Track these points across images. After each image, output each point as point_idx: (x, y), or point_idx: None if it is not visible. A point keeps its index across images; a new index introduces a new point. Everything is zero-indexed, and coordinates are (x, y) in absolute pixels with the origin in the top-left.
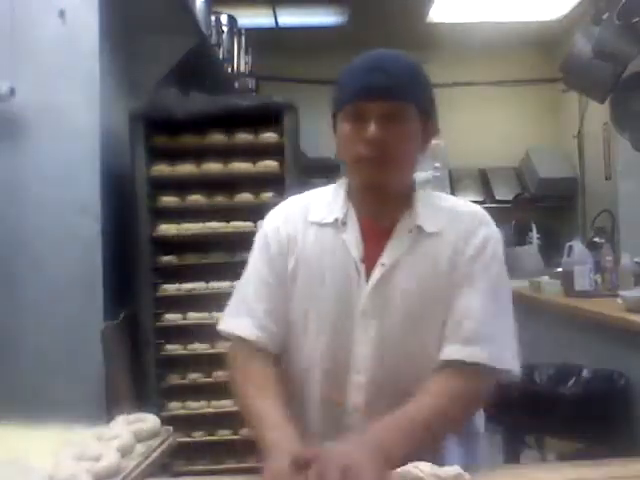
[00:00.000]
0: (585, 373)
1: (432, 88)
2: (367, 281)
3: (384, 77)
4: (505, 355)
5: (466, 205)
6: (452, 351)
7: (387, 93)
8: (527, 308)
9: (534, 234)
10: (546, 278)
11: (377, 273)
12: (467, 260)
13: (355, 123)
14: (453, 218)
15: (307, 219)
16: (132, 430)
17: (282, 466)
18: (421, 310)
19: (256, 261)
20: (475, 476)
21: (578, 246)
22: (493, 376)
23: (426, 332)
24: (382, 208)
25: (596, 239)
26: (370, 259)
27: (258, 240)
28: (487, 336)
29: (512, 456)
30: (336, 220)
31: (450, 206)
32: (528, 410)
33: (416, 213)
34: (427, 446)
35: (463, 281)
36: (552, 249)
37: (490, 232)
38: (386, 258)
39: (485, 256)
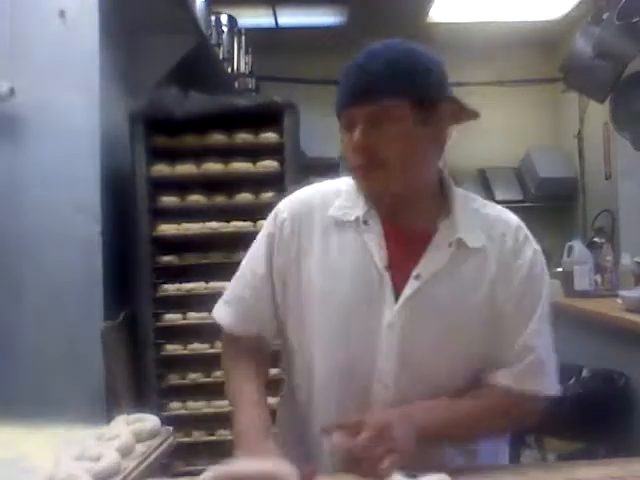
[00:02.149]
0: (585, 373)
1: (441, 71)
2: (395, 292)
3: (366, 79)
4: (554, 382)
5: (507, 217)
6: (510, 378)
7: (368, 96)
8: None
9: None
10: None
11: (411, 285)
12: (518, 284)
13: (347, 131)
14: (495, 232)
15: (326, 214)
16: (132, 430)
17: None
18: (453, 330)
19: (255, 252)
20: (475, 476)
21: (578, 246)
22: (541, 402)
23: (455, 352)
24: (404, 212)
25: (596, 239)
26: (399, 267)
27: (266, 228)
28: (538, 368)
29: (512, 456)
30: (357, 218)
31: (491, 216)
32: (533, 414)
33: (456, 223)
34: (457, 440)
35: (517, 311)
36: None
37: (535, 249)
38: (422, 270)
39: (535, 280)
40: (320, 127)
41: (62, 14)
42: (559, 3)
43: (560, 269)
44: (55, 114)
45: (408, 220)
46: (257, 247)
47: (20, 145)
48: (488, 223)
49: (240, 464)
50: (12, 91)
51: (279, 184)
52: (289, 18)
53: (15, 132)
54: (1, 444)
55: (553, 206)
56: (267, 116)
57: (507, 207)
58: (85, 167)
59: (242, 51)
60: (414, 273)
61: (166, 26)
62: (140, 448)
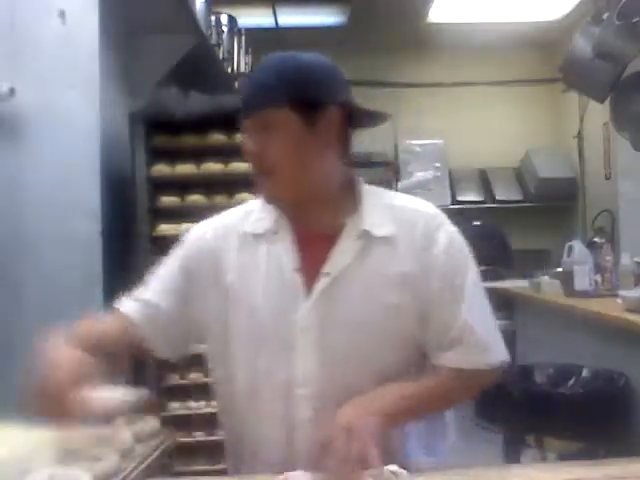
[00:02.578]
0: (585, 373)
1: (332, 76)
2: (307, 293)
3: (252, 89)
4: (498, 352)
5: (418, 205)
6: (452, 359)
7: (254, 105)
8: (527, 308)
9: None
10: (546, 278)
11: (321, 284)
12: (439, 270)
13: (245, 138)
14: (406, 221)
15: (241, 231)
16: (132, 430)
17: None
18: (369, 322)
19: (168, 262)
20: (475, 476)
21: (578, 246)
22: (491, 373)
23: (374, 343)
24: (311, 215)
25: (596, 239)
26: (310, 269)
27: (181, 245)
28: (486, 343)
29: (512, 456)
30: (267, 230)
31: (400, 206)
32: (528, 410)
33: (362, 216)
34: (416, 416)
35: (445, 295)
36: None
37: (450, 233)
38: (330, 267)
39: (455, 263)
40: None
41: (62, 14)
42: (559, 3)
43: (560, 269)
44: (55, 114)
45: (317, 222)
46: (171, 263)
47: (20, 145)
48: (397, 213)
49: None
50: (12, 91)
51: None
52: (289, 18)
53: (15, 132)
54: (1, 444)
55: (553, 206)
56: None
57: (507, 207)
58: (85, 167)
59: (242, 51)
60: (323, 271)
61: (166, 26)
62: (140, 448)
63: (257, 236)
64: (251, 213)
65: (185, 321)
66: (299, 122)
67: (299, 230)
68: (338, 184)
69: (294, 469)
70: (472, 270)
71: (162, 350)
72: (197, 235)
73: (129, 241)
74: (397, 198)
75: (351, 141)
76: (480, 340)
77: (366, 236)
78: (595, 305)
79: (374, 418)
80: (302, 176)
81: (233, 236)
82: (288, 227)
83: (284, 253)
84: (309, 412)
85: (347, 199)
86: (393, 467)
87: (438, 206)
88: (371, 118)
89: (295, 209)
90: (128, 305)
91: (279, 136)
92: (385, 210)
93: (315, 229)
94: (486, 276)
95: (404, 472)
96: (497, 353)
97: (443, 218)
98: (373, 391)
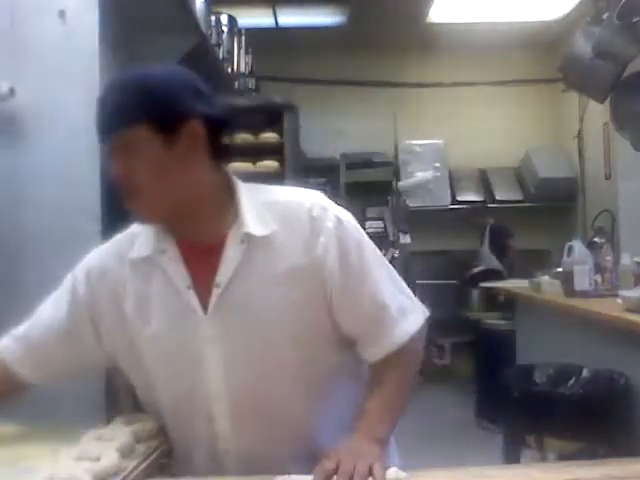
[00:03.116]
0: (585, 373)
1: (184, 91)
2: (203, 307)
3: (103, 113)
4: (417, 313)
5: (298, 196)
6: (373, 353)
7: (108, 128)
8: (527, 308)
9: (486, 236)
10: (546, 278)
11: (213, 297)
12: (332, 259)
13: (108, 160)
14: (287, 214)
15: (129, 257)
16: (132, 430)
17: None
18: (269, 323)
19: (55, 299)
20: (476, 476)
21: (578, 246)
22: (416, 340)
23: (279, 344)
24: (192, 229)
25: (596, 239)
26: (202, 282)
27: (65, 283)
28: (399, 315)
29: (512, 456)
30: (154, 251)
31: (280, 201)
32: (528, 410)
33: (243, 220)
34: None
35: (345, 278)
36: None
37: (335, 216)
38: (220, 277)
39: (348, 247)
40: (320, 127)
41: (62, 14)
42: (559, 3)
43: (560, 269)
44: (55, 114)
45: (199, 234)
46: (58, 298)
47: (20, 145)
48: (278, 209)
49: None
50: (12, 91)
51: (279, 184)
52: (289, 18)
53: (15, 132)
54: (1, 444)
55: (553, 206)
56: (267, 116)
57: (507, 207)
58: (85, 167)
59: (242, 51)
60: (215, 282)
61: (166, 26)
62: (140, 448)
63: (145, 259)
64: (136, 236)
65: (77, 350)
66: (156, 139)
67: (185, 245)
68: (212, 192)
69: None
70: (367, 246)
71: (30, 376)
72: (87, 272)
73: None
74: (276, 193)
75: (224, 145)
76: (395, 312)
77: (249, 239)
78: (595, 305)
79: (374, 444)
80: (169, 192)
81: (123, 264)
82: (173, 244)
83: (175, 272)
84: (227, 424)
85: (226, 204)
86: (392, 470)
87: (438, 206)
88: (247, 117)
89: (175, 225)
90: (3, 344)
91: (138, 156)
92: (265, 208)
93: (199, 241)
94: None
95: (404, 474)
96: (417, 314)
97: (324, 203)
98: (360, 416)
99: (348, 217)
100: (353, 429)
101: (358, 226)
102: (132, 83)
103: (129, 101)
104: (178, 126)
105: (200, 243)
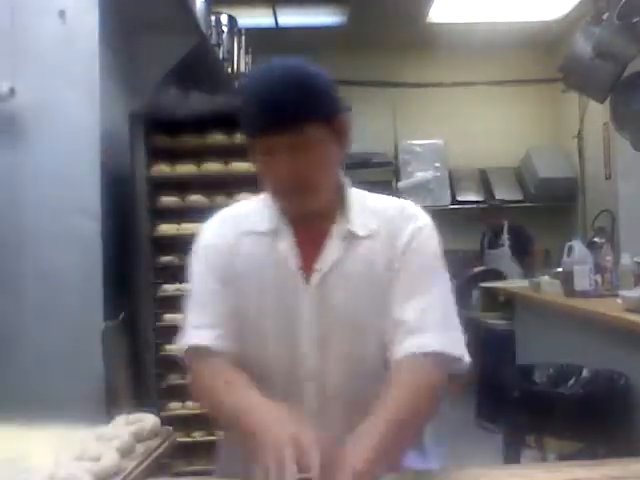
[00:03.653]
0: (585, 373)
1: (333, 86)
2: (308, 287)
3: (277, 109)
4: (454, 342)
5: (394, 202)
6: (402, 347)
7: (284, 125)
8: (527, 308)
9: (505, 237)
10: (546, 278)
11: (314, 279)
12: (399, 256)
13: (266, 156)
14: (383, 218)
15: (240, 229)
16: (132, 430)
17: (282, 444)
18: (359, 313)
19: (198, 274)
20: (476, 476)
21: (578, 246)
22: (447, 364)
23: (368, 334)
24: (310, 217)
25: (596, 239)
26: (309, 265)
27: (195, 256)
28: (432, 325)
29: (512, 456)
30: (269, 229)
31: (380, 207)
32: (528, 410)
33: (348, 218)
34: (408, 442)
35: (398, 277)
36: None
37: (417, 224)
38: (321, 264)
39: (414, 248)
40: None
41: (62, 14)
42: (559, 3)
43: (560, 269)
44: (55, 114)
45: (313, 222)
46: (197, 274)
47: (20, 145)
48: (378, 212)
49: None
50: (12, 91)
51: None
52: (289, 18)
53: (15, 132)
54: (1, 444)
55: (553, 206)
56: None
57: (507, 207)
58: (85, 167)
59: (242, 51)
60: (315, 267)
61: (166, 26)
62: (140, 448)
63: (260, 234)
64: (251, 211)
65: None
66: (329, 136)
67: (298, 228)
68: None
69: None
70: (440, 262)
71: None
72: (212, 241)
73: (129, 241)
74: (378, 199)
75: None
76: (432, 324)
77: (351, 236)
78: (595, 305)
79: (376, 458)
80: (329, 187)
81: (239, 235)
82: (288, 227)
83: (288, 252)
84: (316, 404)
85: (337, 200)
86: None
87: (438, 206)
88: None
89: (295, 213)
90: (221, 344)
91: (318, 153)
92: (368, 210)
93: (310, 229)
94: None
95: None
96: (454, 344)
97: (416, 211)
98: (366, 425)
99: (433, 232)
100: (354, 453)
101: (438, 240)
102: (298, 79)
103: (302, 98)
104: (338, 122)
105: (309, 231)
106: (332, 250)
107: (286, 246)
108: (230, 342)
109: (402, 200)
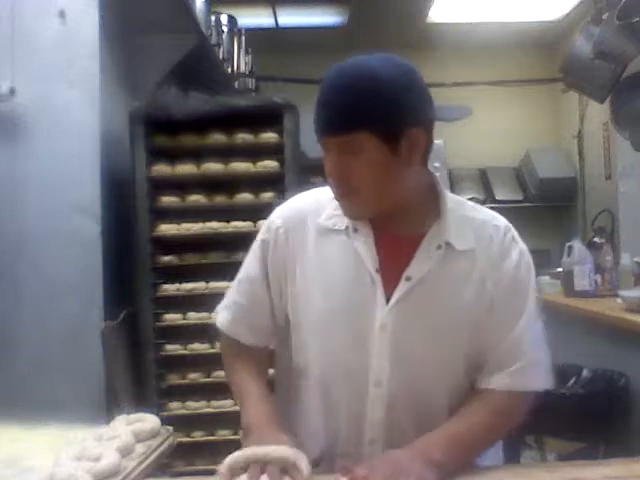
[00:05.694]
0: (585, 373)
1: (414, 95)
2: (385, 293)
3: (331, 111)
4: (546, 377)
5: (494, 219)
6: (501, 381)
7: (333, 128)
8: None
9: None
10: (546, 278)
11: (402, 287)
12: (505, 285)
13: (324, 155)
14: (484, 235)
15: (318, 222)
16: (132, 430)
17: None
18: (444, 329)
19: (251, 258)
20: (475, 476)
21: (578, 246)
22: (533, 396)
23: (446, 350)
24: (392, 220)
25: (596, 239)
26: (389, 270)
27: (260, 235)
28: (533, 365)
29: (512, 456)
30: (347, 227)
31: (481, 220)
32: (528, 410)
33: (445, 227)
34: (470, 460)
35: (504, 309)
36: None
37: (522, 251)
38: (412, 272)
39: (522, 280)
40: None
41: (62, 14)
42: (559, 3)
43: (560, 269)
44: (55, 114)
45: (397, 227)
46: (252, 254)
47: (20, 145)
48: (477, 226)
49: (255, 448)
50: (12, 91)
51: (279, 184)
52: (289, 18)
53: (15, 132)
54: (1, 444)
55: (553, 206)
56: (267, 116)
57: (507, 207)
58: (85, 167)
59: (242, 51)
60: (405, 275)
61: (166, 26)
62: (140, 448)
63: (336, 230)
64: (325, 204)
65: (271, 314)
66: (380, 145)
67: (378, 232)
68: (420, 193)
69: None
70: (533, 293)
71: (253, 342)
72: (275, 231)
73: (129, 241)
74: (476, 210)
75: (432, 149)
76: (531, 362)
77: (448, 247)
78: (595, 305)
79: (424, 464)
80: (384, 196)
81: (308, 227)
82: (366, 225)
83: (365, 251)
84: (382, 412)
85: (429, 206)
86: None
87: None
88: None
89: (377, 215)
90: (244, 332)
91: (362, 160)
92: (466, 222)
93: (396, 233)
94: None
95: None
96: (545, 380)
97: (516, 235)
98: (426, 435)
99: (529, 256)
100: (412, 444)
101: (533, 270)
102: (363, 84)
103: (358, 107)
104: (403, 134)
105: (393, 234)
106: (425, 259)
107: (364, 246)
108: (252, 332)
109: (496, 215)
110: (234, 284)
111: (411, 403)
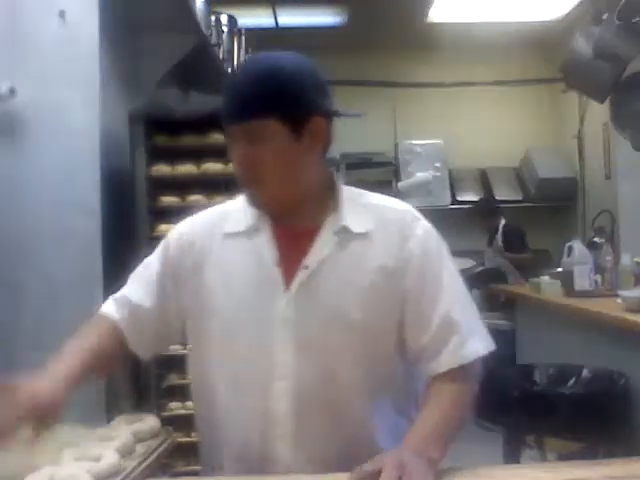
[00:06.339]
0: (585, 373)
1: (316, 85)
2: (286, 286)
3: (236, 99)
4: (485, 341)
5: (394, 204)
6: (446, 362)
7: (238, 116)
8: (527, 308)
9: (499, 236)
10: (546, 278)
11: (300, 276)
12: (415, 265)
13: (230, 144)
14: (382, 218)
15: (223, 229)
16: (132, 430)
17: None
18: (345, 313)
19: (152, 256)
20: (476, 476)
21: (578, 246)
22: (481, 364)
23: (351, 336)
24: (291, 214)
25: (596, 239)
26: (289, 263)
27: (158, 247)
28: (470, 334)
29: (512, 456)
30: (248, 227)
31: (378, 205)
32: (528, 410)
33: (341, 214)
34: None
35: (423, 288)
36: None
37: (424, 228)
38: (310, 260)
39: (432, 252)
40: None
41: (62, 14)
42: (559, 3)
43: (560, 269)
44: (55, 114)
45: (297, 220)
46: (151, 257)
47: (20, 145)
48: (375, 211)
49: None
50: (12, 91)
51: None
52: (289, 18)
53: (15, 132)
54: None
55: (553, 206)
56: None
57: (507, 207)
58: (85, 167)
59: (242, 51)
60: (303, 264)
61: (166, 26)
62: (140, 448)
63: (238, 234)
64: (230, 213)
65: (164, 320)
66: (286, 134)
67: (279, 227)
68: (320, 186)
69: (273, 468)
70: (449, 263)
71: (138, 348)
72: (179, 235)
73: (129, 241)
74: (374, 197)
75: (332, 142)
76: (465, 332)
77: (344, 231)
78: (595, 305)
79: (424, 462)
80: (289, 184)
81: (213, 235)
82: (267, 224)
83: (264, 248)
84: (288, 406)
85: (327, 198)
86: None
87: (438, 206)
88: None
89: (277, 209)
90: (111, 307)
91: (266, 148)
92: (363, 208)
93: (295, 227)
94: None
95: None
96: (483, 342)
97: (417, 215)
98: (414, 432)
99: (435, 232)
100: (405, 443)
101: (443, 243)
102: (267, 75)
103: (263, 94)
104: (305, 122)
105: (294, 227)
106: (322, 246)
107: (262, 241)
108: (128, 316)
109: (394, 199)
110: (128, 281)
111: (321, 394)
